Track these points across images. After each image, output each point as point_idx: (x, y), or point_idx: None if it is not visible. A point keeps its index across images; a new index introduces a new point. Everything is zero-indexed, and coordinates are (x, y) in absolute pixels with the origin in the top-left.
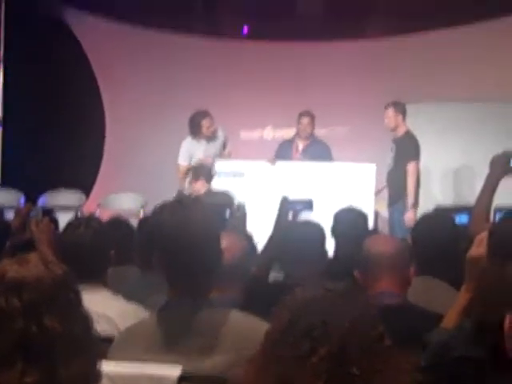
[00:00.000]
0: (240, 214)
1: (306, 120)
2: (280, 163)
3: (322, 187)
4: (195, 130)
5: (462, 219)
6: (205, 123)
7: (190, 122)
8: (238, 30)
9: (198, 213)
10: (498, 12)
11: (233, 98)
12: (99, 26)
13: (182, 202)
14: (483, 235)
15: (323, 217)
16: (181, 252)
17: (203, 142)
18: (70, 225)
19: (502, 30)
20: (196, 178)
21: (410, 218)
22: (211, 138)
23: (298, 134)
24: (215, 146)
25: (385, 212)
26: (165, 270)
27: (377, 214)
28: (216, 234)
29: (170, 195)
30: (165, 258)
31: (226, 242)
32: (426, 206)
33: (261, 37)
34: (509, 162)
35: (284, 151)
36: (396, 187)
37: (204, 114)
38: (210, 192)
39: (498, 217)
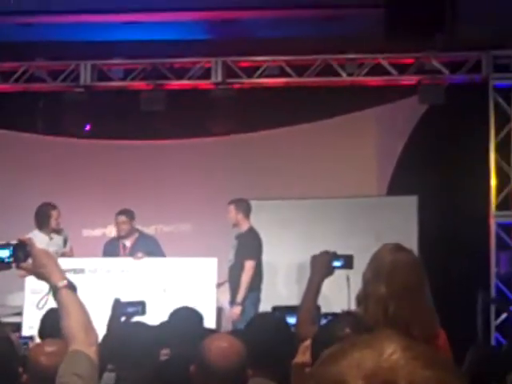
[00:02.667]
0: None
1: (120, 218)
2: (121, 260)
3: (164, 283)
4: (43, 220)
5: None
6: (54, 214)
7: (37, 212)
8: (80, 128)
9: None
10: (329, 113)
11: (75, 197)
12: None
13: None
14: (307, 343)
15: (165, 314)
16: None
17: (46, 239)
18: None
19: (337, 128)
20: None
21: (235, 313)
22: (56, 232)
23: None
24: (58, 242)
25: (227, 305)
26: None
27: (219, 309)
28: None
29: (12, 293)
30: None
31: (52, 347)
32: (269, 301)
33: (103, 135)
34: (330, 262)
35: (111, 249)
36: (236, 283)
37: (53, 205)
38: None
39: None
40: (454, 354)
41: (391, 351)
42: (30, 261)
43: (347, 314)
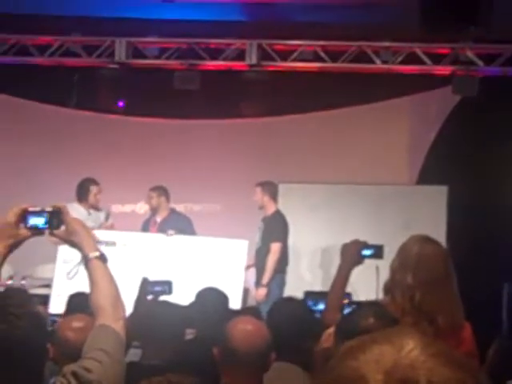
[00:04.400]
0: None
1: (150, 194)
2: (151, 235)
3: (193, 262)
4: (82, 194)
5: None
6: (93, 189)
7: (79, 185)
8: (113, 104)
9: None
10: (362, 100)
11: (105, 173)
12: None
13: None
14: (331, 330)
15: (193, 292)
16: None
17: (84, 212)
18: None
19: (369, 115)
20: None
21: (260, 294)
22: (95, 208)
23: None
24: (96, 218)
25: (252, 285)
26: None
27: (246, 291)
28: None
29: (42, 265)
30: None
31: (80, 322)
32: (294, 284)
33: (136, 112)
34: (360, 251)
35: (144, 225)
36: (262, 265)
37: (94, 181)
38: None
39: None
40: (478, 347)
41: (411, 348)
42: (63, 228)
43: (372, 303)
